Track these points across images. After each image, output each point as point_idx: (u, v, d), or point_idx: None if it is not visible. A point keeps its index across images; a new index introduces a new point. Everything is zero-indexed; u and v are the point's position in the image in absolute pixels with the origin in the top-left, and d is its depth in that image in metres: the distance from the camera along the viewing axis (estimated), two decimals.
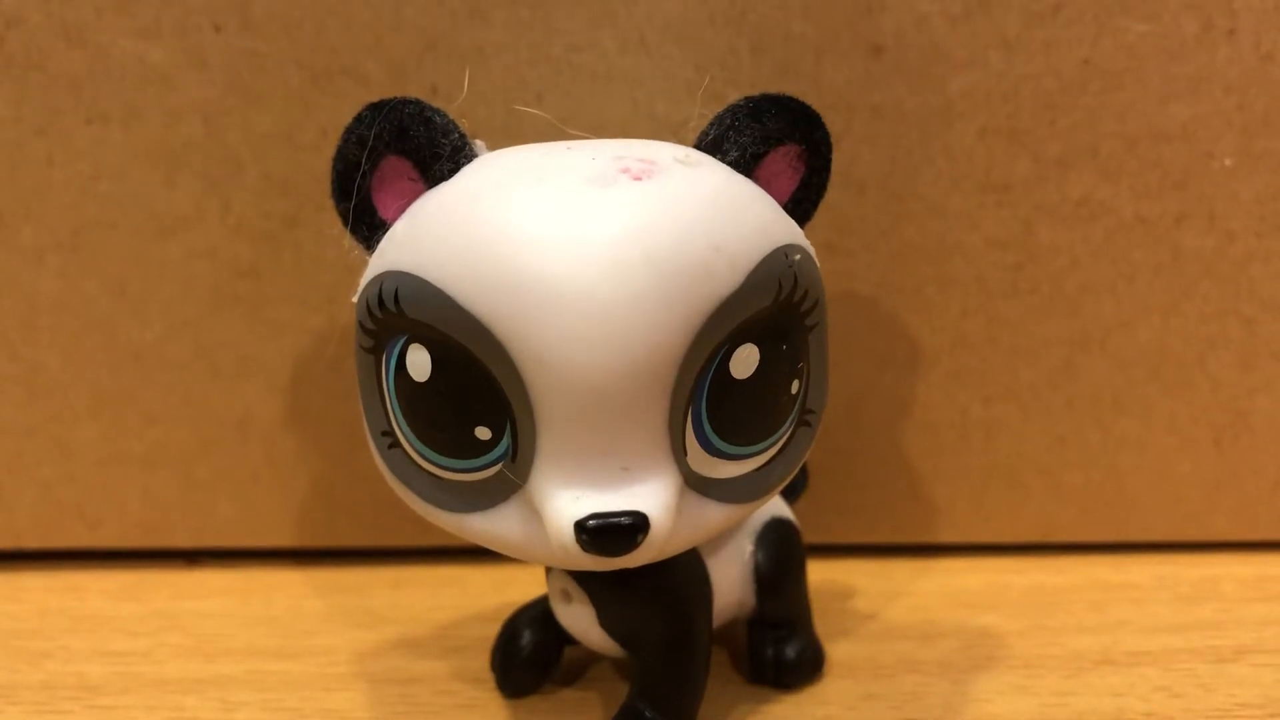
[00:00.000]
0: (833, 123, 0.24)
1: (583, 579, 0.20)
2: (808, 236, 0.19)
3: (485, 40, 0.24)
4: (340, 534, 0.28)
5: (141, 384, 0.26)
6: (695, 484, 0.17)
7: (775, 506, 0.22)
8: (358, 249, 0.19)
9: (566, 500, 0.16)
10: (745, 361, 0.17)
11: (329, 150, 0.21)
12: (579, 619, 0.20)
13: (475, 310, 0.16)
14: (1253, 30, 0.24)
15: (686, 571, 0.20)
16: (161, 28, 0.24)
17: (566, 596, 0.20)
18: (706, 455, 0.17)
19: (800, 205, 0.19)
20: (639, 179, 0.17)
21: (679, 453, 0.17)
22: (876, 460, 0.27)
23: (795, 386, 0.18)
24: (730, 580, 0.21)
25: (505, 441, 0.17)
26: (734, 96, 0.23)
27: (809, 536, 0.23)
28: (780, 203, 0.18)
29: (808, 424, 0.19)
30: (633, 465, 0.16)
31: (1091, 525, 0.27)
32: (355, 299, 0.18)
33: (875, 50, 0.24)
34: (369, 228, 0.18)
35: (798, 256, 0.18)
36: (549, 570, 0.21)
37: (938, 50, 0.24)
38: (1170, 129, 0.25)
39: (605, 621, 0.20)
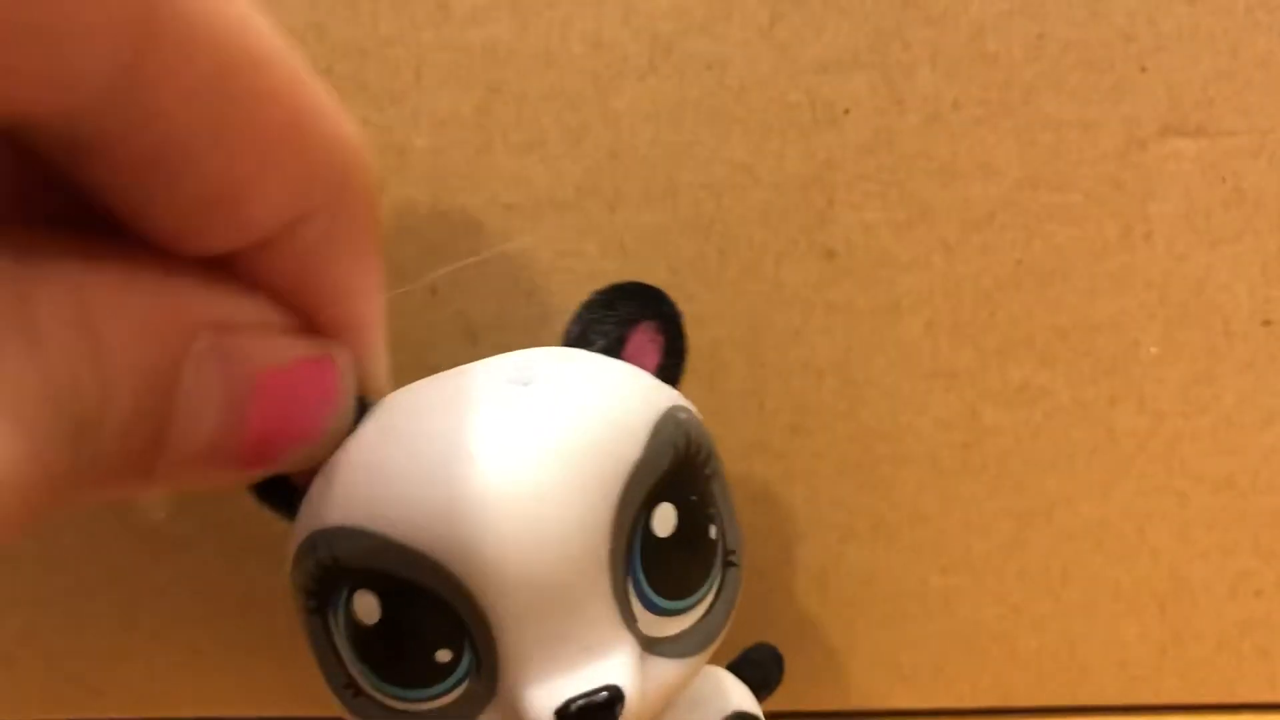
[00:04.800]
0: (791, 318, 0.27)
1: None
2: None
3: (480, 248, 0.26)
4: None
5: (151, 561, 0.28)
6: (650, 646, 0.18)
7: (741, 699, 0.23)
8: None
9: (541, 694, 0.17)
10: (665, 520, 0.18)
11: None
12: None
13: (411, 543, 0.17)
14: (1166, 234, 0.27)
15: None
16: None
17: None
18: (653, 616, 0.18)
19: (669, 371, 0.21)
20: (526, 384, 0.18)
21: (630, 621, 0.18)
22: (842, 629, 0.28)
23: (713, 532, 0.19)
24: None
25: (467, 658, 0.17)
26: (703, 294, 0.27)
27: (779, 704, 0.24)
28: (651, 373, 0.20)
29: (732, 564, 0.20)
30: (593, 644, 0.17)
31: (1047, 689, 0.29)
32: (286, 569, 0.19)
33: (829, 254, 0.27)
34: (284, 497, 0.19)
35: (683, 415, 0.19)
36: None
37: (885, 254, 0.27)
38: (1099, 320, 0.27)
39: None
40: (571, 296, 0.27)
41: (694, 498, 0.19)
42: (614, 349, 0.20)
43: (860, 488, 0.28)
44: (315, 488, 0.18)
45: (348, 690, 0.18)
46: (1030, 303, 0.27)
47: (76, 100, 0.12)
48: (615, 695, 0.17)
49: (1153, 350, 0.27)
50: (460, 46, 0.25)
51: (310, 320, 0.17)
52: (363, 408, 0.18)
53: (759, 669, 0.24)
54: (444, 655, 0.17)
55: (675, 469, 0.18)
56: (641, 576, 0.18)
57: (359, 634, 0.18)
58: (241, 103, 0.14)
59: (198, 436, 0.15)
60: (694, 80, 0.26)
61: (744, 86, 0.26)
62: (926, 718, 0.29)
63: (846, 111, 0.26)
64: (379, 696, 0.18)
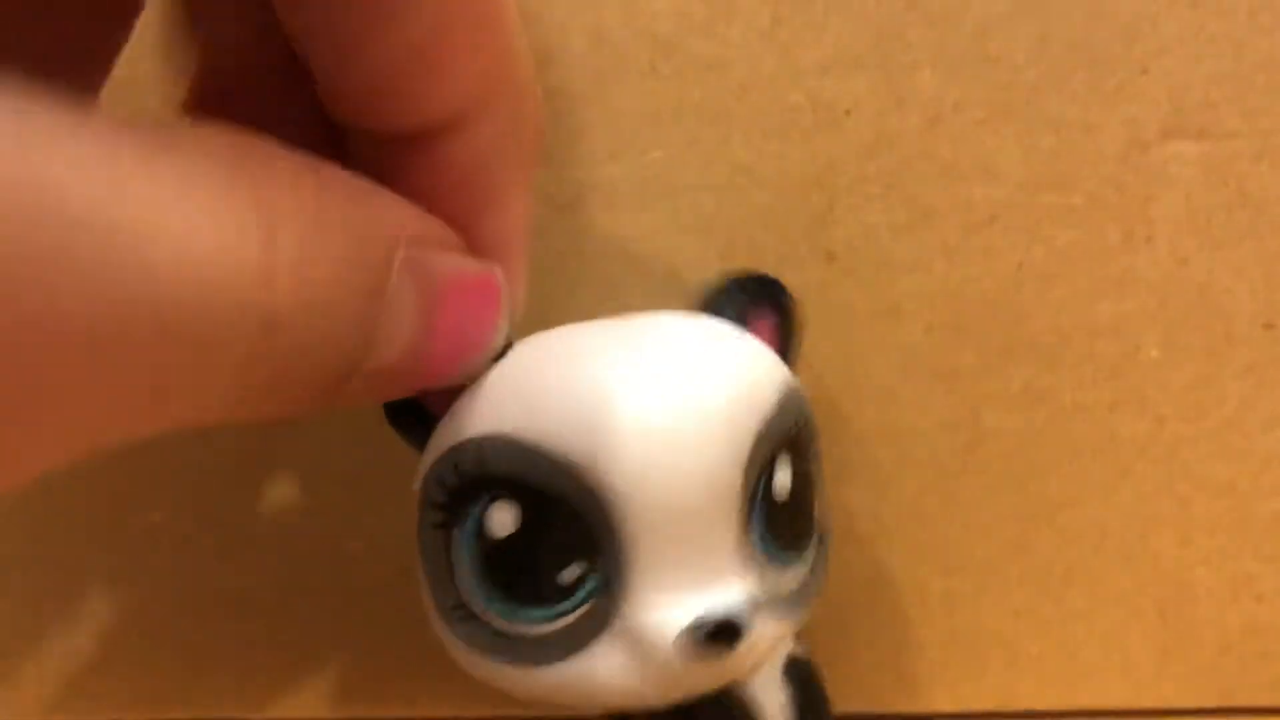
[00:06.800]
0: None
1: None
2: None
3: None
4: (332, 705, 0.29)
5: (148, 560, 0.28)
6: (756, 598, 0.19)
7: (796, 648, 0.23)
8: None
9: (667, 613, 0.18)
10: (783, 480, 0.19)
11: None
12: None
13: (564, 450, 0.18)
14: (1169, 237, 0.27)
15: (741, 709, 0.21)
16: None
17: None
18: (767, 566, 0.19)
19: (785, 358, 0.22)
20: (675, 329, 0.20)
21: (748, 565, 0.19)
22: (842, 633, 0.28)
23: (816, 507, 0.21)
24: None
25: (594, 578, 0.18)
26: None
27: None
28: None
29: (824, 543, 0.21)
30: (721, 570, 0.18)
31: (1048, 693, 0.29)
32: (416, 486, 0.19)
33: (829, 257, 0.26)
34: (420, 425, 0.20)
35: (803, 395, 0.20)
36: None
37: (886, 256, 0.26)
38: (1101, 324, 0.27)
39: None
40: (569, 298, 0.27)
41: (805, 469, 0.20)
42: (740, 324, 0.21)
43: (861, 490, 0.28)
44: (463, 403, 0.19)
45: (456, 612, 0.19)
46: (1031, 305, 0.27)
47: None
48: (740, 618, 0.18)
49: (1154, 354, 0.27)
50: None
51: (468, 237, 0.18)
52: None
53: None
54: (571, 573, 0.18)
55: (795, 436, 0.20)
56: (763, 524, 0.19)
57: (487, 548, 0.18)
58: None
59: (394, 348, 0.16)
60: (694, 81, 0.25)
61: (745, 88, 0.25)
62: None
63: (848, 113, 0.26)
64: (491, 618, 0.19)
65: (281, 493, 0.27)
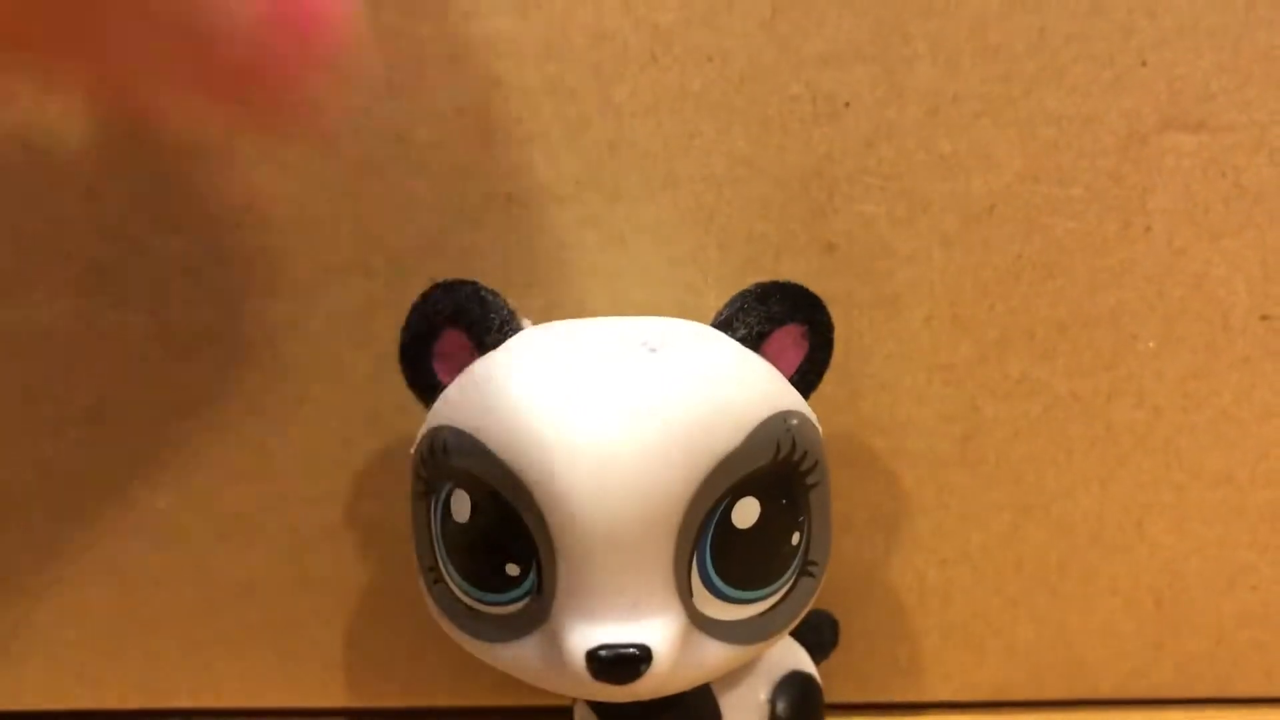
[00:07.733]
0: None
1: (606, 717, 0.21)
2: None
3: (479, 239, 0.26)
4: (333, 695, 0.29)
5: (151, 550, 0.28)
6: (700, 623, 0.19)
7: (797, 659, 0.24)
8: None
9: (581, 633, 0.18)
10: (746, 513, 0.19)
11: (336, 336, 0.24)
12: None
13: (508, 460, 0.18)
14: (1166, 228, 0.27)
15: (702, 712, 0.21)
16: (186, 224, 0.26)
17: None
18: (711, 597, 0.19)
19: (806, 377, 0.22)
20: (654, 350, 0.19)
21: (684, 593, 0.19)
22: (840, 622, 0.28)
23: (796, 539, 0.20)
24: None
25: (531, 578, 0.19)
26: (704, 288, 0.27)
27: None
28: (788, 375, 0.21)
29: (810, 575, 0.21)
30: (641, 602, 0.18)
31: (1044, 683, 0.29)
32: (412, 450, 0.21)
33: (828, 247, 0.27)
34: (429, 389, 0.21)
35: (795, 421, 0.20)
36: (574, 713, 0.22)
37: (885, 247, 0.27)
38: (1098, 314, 0.27)
39: None
40: (570, 289, 0.27)
41: (784, 501, 0.20)
42: (754, 341, 0.21)
43: (859, 480, 0.28)
44: (451, 389, 0.20)
45: (430, 574, 0.20)
46: (1030, 296, 0.27)
47: None
48: (644, 654, 0.18)
49: (1151, 344, 0.27)
50: (461, 39, 0.25)
51: None
52: (507, 330, 0.20)
53: (815, 632, 0.26)
54: (513, 569, 0.19)
55: (772, 468, 0.19)
56: (709, 558, 0.19)
57: (450, 529, 0.19)
58: None
59: None
60: (695, 72, 0.26)
61: (744, 79, 0.26)
62: (923, 711, 0.29)
63: (847, 104, 0.26)
64: (453, 588, 0.20)
65: (284, 482, 0.28)
